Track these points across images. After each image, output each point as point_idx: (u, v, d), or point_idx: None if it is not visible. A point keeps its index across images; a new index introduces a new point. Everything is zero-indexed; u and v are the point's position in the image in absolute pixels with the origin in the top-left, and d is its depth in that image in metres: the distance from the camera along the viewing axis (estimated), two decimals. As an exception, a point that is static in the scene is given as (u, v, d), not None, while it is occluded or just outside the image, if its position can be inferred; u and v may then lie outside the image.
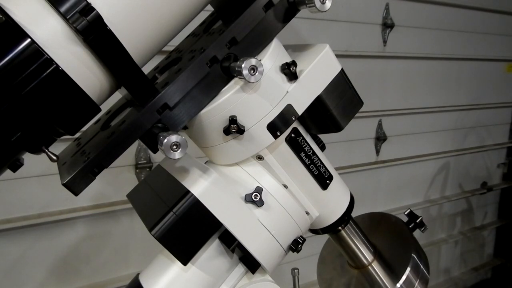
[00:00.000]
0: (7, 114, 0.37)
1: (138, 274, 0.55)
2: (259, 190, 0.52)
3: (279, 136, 0.50)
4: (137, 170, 1.35)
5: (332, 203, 0.61)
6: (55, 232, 1.26)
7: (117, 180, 1.33)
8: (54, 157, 0.43)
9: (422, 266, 0.65)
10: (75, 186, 0.42)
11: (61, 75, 0.38)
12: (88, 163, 0.42)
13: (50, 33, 0.38)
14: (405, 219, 0.71)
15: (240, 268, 0.55)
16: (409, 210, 0.71)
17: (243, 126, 0.48)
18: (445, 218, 2.43)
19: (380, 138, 1.97)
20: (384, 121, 1.98)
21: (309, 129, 0.57)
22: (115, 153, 0.43)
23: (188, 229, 0.48)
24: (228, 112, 0.48)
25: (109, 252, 1.36)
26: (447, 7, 2.07)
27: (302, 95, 0.51)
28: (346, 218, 0.62)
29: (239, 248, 0.51)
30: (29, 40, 0.36)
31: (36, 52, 0.36)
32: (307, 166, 0.56)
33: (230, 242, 0.51)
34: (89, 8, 0.36)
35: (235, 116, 0.47)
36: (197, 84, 0.45)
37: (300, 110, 0.51)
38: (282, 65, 0.49)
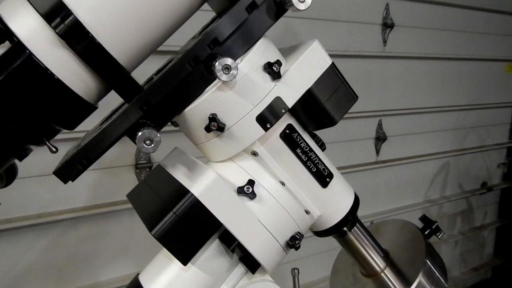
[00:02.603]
0: (5, 113, 0.42)
1: (138, 274, 0.55)
2: (251, 182, 0.52)
3: (269, 128, 0.50)
4: (137, 170, 1.35)
5: (334, 202, 0.60)
6: (55, 232, 1.26)
7: (117, 180, 1.33)
8: (54, 149, 0.47)
9: (437, 273, 0.62)
10: (62, 175, 0.46)
11: (56, 82, 0.42)
12: (75, 155, 0.46)
13: (42, 41, 0.42)
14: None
15: (240, 268, 0.55)
16: (423, 215, 0.68)
17: (224, 124, 0.49)
18: (445, 218, 2.43)
19: (380, 138, 1.97)
20: (384, 121, 1.98)
21: (306, 127, 0.58)
22: (100, 147, 0.46)
23: (188, 229, 0.48)
24: (209, 110, 0.49)
25: (109, 252, 1.36)
26: (447, 7, 2.07)
27: (291, 89, 0.51)
28: (350, 218, 0.61)
29: (239, 248, 0.51)
30: (27, 53, 0.41)
31: (34, 62, 0.41)
32: (304, 163, 0.56)
33: (230, 242, 0.51)
34: (68, 14, 0.40)
35: (215, 114, 0.49)
36: (178, 83, 0.47)
37: (290, 103, 0.51)
38: (265, 64, 0.50)
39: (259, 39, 0.51)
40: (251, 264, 0.53)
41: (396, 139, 2.04)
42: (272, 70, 0.49)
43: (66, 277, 1.31)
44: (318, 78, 0.52)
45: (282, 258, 0.56)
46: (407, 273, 0.63)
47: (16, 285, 1.24)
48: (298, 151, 0.55)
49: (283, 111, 0.51)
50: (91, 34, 0.42)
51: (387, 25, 1.86)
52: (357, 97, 0.56)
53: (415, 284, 0.60)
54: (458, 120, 2.30)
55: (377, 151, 2.00)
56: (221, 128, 0.49)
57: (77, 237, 1.30)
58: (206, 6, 0.55)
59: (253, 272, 0.54)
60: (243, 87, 0.49)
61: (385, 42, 1.89)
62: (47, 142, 0.46)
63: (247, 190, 0.51)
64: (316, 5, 1.86)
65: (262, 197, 0.52)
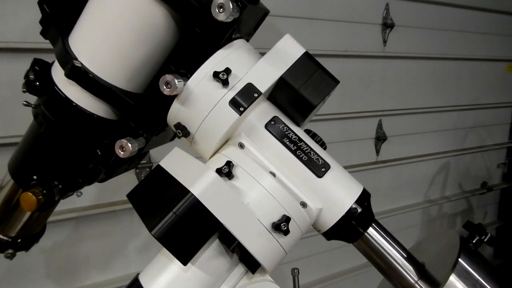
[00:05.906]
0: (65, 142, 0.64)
1: (138, 274, 0.55)
2: (228, 163, 0.52)
3: (242, 112, 0.52)
4: (137, 170, 1.35)
5: (334, 193, 0.58)
6: (55, 232, 1.26)
7: (117, 180, 1.33)
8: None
9: (476, 274, 0.56)
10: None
11: (98, 119, 0.59)
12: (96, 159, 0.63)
13: (70, 86, 0.58)
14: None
15: (240, 268, 0.55)
16: (467, 221, 0.63)
17: (188, 131, 0.55)
18: (445, 218, 2.43)
19: (380, 138, 1.98)
20: (384, 121, 1.98)
21: (297, 122, 0.58)
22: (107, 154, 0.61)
23: (188, 229, 0.48)
24: (175, 119, 0.56)
25: (109, 252, 1.36)
26: (447, 7, 2.07)
27: (262, 76, 0.55)
28: (357, 213, 0.58)
29: (239, 248, 0.51)
30: (74, 105, 0.58)
31: (79, 111, 0.59)
32: (293, 152, 0.56)
33: (230, 242, 0.51)
34: (69, 60, 0.55)
35: (179, 123, 0.55)
36: (154, 101, 0.57)
37: (262, 89, 0.54)
38: (213, 73, 0.53)
39: (213, 52, 0.55)
40: (251, 264, 0.53)
41: (396, 139, 2.04)
42: (219, 78, 0.53)
43: (66, 277, 1.31)
44: (290, 67, 0.55)
45: (282, 258, 0.55)
46: (439, 278, 0.59)
47: (16, 285, 1.24)
48: (286, 140, 0.56)
49: (256, 96, 0.53)
50: (92, 74, 0.55)
51: (387, 25, 1.86)
52: (337, 81, 0.57)
53: (443, 284, 0.56)
54: (458, 120, 2.30)
55: (377, 151, 2.00)
56: (185, 134, 0.55)
57: (77, 237, 1.30)
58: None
59: (253, 272, 0.54)
60: (197, 95, 0.54)
61: (385, 42, 1.89)
62: (98, 151, 0.63)
63: (224, 170, 0.52)
64: (316, 5, 1.85)
65: (247, 182, 0.53)
